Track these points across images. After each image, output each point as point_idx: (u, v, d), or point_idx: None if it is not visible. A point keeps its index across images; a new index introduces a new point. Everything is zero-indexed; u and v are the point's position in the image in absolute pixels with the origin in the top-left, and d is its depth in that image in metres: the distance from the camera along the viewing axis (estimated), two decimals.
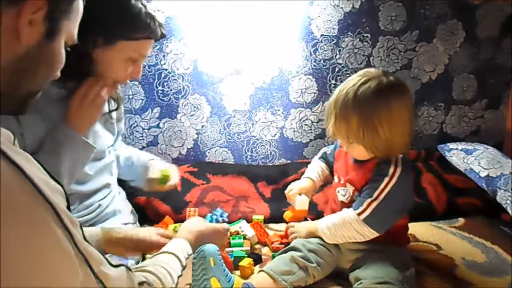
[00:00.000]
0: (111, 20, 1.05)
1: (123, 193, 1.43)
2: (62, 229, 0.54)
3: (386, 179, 1.08)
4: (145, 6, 1.10)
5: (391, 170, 1.09)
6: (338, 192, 1.21)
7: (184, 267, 0.89)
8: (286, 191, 1.30)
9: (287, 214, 1.30)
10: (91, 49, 1.07)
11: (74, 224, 0.57)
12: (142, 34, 1.10)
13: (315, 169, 1.34)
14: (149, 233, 1.08)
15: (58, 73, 0.69)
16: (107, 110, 1.23)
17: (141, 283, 0.72)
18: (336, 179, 1.25)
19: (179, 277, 0.86)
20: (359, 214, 1.09)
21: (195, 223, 1.07)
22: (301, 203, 1.25)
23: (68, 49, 0.69)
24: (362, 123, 1.06)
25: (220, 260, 1.03)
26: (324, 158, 1.37)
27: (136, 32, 1.09)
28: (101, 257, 0.62)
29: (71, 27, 0.67)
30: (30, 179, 0.52)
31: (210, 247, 1.01)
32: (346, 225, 1.11)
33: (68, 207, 0.58)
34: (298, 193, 1.26)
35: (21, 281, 0.51)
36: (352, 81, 1.10)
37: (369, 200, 1.09)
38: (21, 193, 0.51)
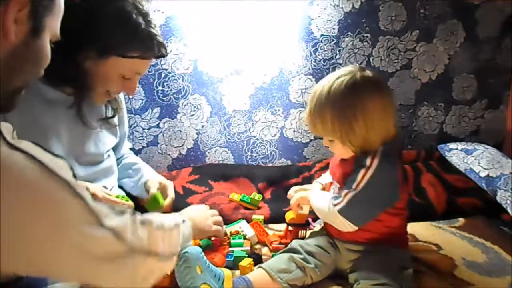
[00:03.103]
0: (105, 34, 1.02)
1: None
2: (76, 198, 0.61)
3: (363, 171, 1.06)
4: (146, 22, 1.06)
5: (369, 161, 1.06)
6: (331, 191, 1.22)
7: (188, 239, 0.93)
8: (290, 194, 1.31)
9: (289, 215, 1.32)
10: (83, 60, 1.04)
11: (82, 188, 0.63)
12: (134, 53, 1.06)
13: (325, 175, 1.35)
14: None
15: (42, 71, 0.71)
16: (104, 116, 1.22)
17: (143, 222, 0.74)
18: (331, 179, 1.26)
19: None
20: (335, 205, 1.08)
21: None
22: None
23: (52, 45, 0.70)
24: (336, 119, 1.05)
25: (206, 263, 1.02)
26: None
27: (128, 50, 1.05)
28: (105, 209, 0.67)
29: (54, 24, 0.69)
30: (42, 163, 0.58)
31: (193, 252, 1.00)
32: (326, 213, 1.12)
33: (74, 175, 0.64)
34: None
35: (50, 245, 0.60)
36: (327, 78, 1.10)
37: (346, 191, 1.08)
38: (39, 177, 0.57)
